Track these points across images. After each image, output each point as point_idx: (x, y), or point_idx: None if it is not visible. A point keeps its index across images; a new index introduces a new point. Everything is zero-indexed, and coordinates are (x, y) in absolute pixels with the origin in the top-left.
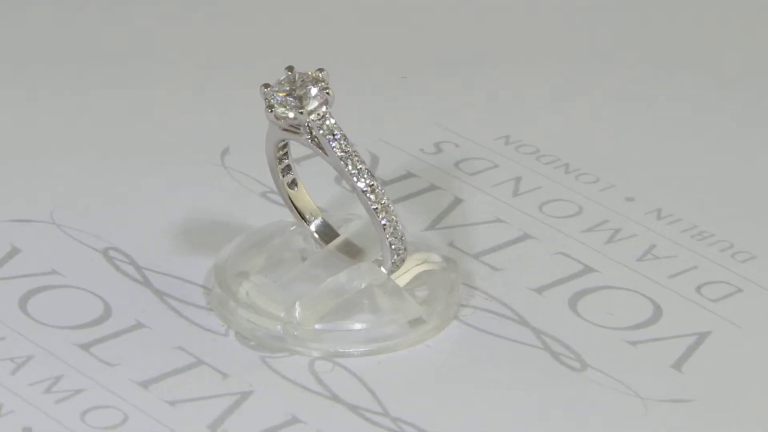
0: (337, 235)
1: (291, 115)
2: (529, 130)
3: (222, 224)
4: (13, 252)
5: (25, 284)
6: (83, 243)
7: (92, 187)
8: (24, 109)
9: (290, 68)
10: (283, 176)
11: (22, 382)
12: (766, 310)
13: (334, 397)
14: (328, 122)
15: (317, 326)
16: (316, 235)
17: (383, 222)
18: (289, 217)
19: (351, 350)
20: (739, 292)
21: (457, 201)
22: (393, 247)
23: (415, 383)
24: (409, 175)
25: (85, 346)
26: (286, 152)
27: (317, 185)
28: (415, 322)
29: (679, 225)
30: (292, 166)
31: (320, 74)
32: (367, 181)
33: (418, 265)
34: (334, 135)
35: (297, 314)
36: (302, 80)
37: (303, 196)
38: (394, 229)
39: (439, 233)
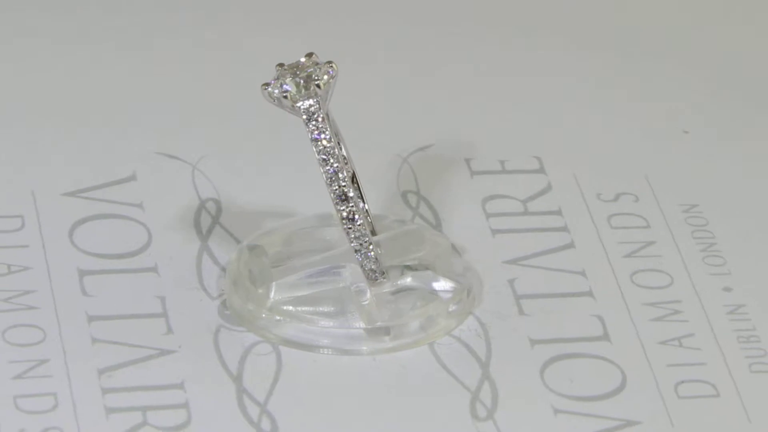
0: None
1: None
2: None
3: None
4: None
5: None
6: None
7: None
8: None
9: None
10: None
11: None
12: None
13: (235, 377)
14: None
15: (287, 308)
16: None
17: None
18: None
19: (299, 341)
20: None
21: None
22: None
23: (320, 389)
24: None
25: None
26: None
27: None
28: (376, 333)
29: None
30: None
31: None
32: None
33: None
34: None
35: (271, 294)
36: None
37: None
38: (361, 245)
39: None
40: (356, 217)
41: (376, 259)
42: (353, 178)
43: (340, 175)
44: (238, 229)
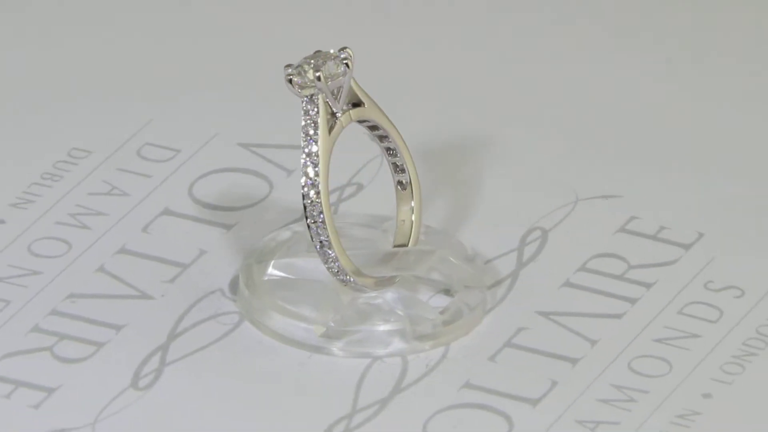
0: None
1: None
2: None
3: None
4: None
5: None
6: None
7: None
8: None
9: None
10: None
11: None
12: None
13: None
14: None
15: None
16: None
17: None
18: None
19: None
20: None
21: None
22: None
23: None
24: None
25: None
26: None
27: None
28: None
29: None
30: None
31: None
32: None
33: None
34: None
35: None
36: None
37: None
38: (321, 242)
39: None
40: (318, 213)
41: (336, 259)
42: (401, 184)
43: (310, 171)
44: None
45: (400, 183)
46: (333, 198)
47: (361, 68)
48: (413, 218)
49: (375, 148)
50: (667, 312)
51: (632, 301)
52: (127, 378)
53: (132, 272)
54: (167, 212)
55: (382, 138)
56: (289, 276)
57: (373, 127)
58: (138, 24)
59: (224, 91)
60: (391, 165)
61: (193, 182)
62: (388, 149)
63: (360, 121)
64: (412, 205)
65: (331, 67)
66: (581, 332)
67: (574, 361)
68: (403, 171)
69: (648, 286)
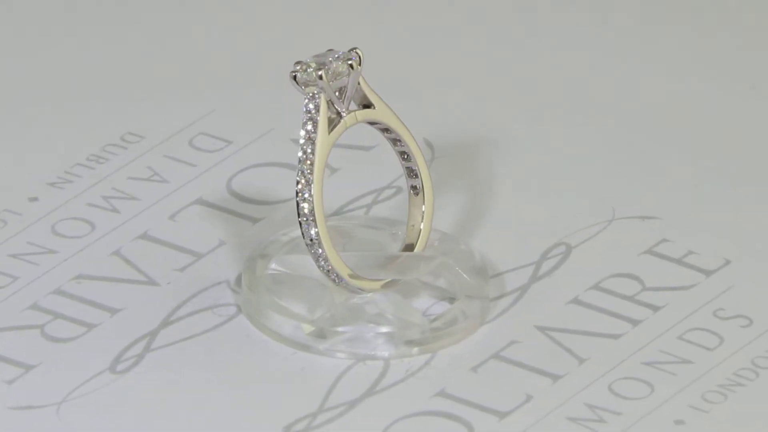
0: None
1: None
2: None
3: None
4: None
5: None
6: None
7: None
8: None
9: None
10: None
11: None
12: None
13: None
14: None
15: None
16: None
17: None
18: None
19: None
20: None
21: None
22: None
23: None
24: None
25: None
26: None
27: None
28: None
29: None
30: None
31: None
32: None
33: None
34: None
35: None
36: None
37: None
38: (311, 240)
39: None
40: (309, 211)
41: (327, 258)
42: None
43: (306, 169)
44: None
45: (413, 187)
46: (368, 199)
47: (394, 67)
48: (422, 224)
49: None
50: (667, 336)
51: (635, 322)
52: (107, 361)
53: (146, 258)
54: (200, 202)
55: (396, 141)
56: (289, 272)
57: (386, 130)
58: (213, 15)
59: (290, 86)
60: (405, 169)
61: (233, 174)
62: (402, 153)
63: (371, 123)
64: (423, 210)
65: (336, 66)
66: (573, 349)
67: (555, 378)
68: (416, 176)
69: (656, 309)
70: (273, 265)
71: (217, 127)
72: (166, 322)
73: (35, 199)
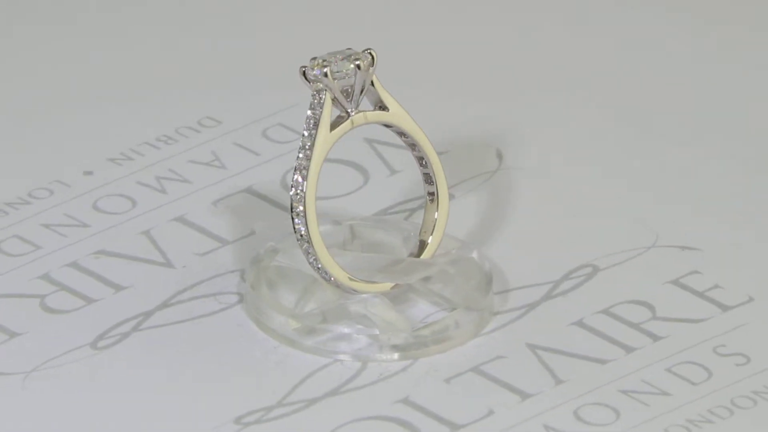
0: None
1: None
2: None
3: None
4: None
5: None
6: None
7: None
8: None
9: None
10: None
11: None
12: None
13: None
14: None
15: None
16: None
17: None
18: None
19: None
20: None
21: None
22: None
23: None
24: None
25: None
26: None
27: None
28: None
29: None
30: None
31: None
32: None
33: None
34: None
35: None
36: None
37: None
38: (301, 236)
39: None
40: (301, 208)
41: (316, 258)
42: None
43: (301, 169)
44: None
45: (430, 194)
46: (412, 205)
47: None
48: (433, 231)
49: None
50: (656, 366)
51: (629, 350)
52: (91, 337)
53: (172, 240)
54: (249, 191)
55: (413, 146)
56: (292, 265)
57: (402, 134)
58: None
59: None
60: (422, 175)
61: (291, 168)
62: (419, 158)
63: (387, 126)
64: (436, 217)
65: (342, 65)
66: (554, 370)
67: (525, 396)
68: (432, 182)
69: (656, 338)
70: (279, 258)
71: (297, 119)
72: (165, 304)
73: (90, 173)
